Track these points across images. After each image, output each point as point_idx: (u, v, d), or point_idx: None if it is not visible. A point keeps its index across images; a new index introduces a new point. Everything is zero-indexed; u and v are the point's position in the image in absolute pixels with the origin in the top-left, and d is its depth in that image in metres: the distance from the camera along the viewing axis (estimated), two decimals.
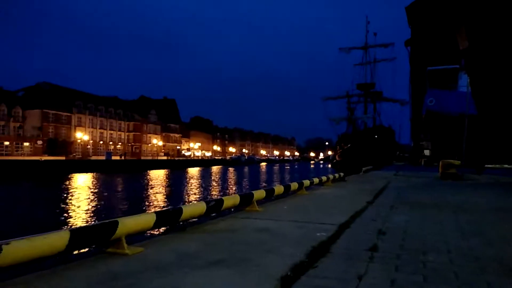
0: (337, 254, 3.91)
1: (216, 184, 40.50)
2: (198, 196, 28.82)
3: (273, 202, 8.39)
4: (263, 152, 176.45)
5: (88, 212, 19.86)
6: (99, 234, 3.72)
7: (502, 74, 12.14)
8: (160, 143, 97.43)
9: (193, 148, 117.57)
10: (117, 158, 73.65)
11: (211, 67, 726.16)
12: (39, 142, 65.11)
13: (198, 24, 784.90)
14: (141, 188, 33.77)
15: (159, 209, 5.49)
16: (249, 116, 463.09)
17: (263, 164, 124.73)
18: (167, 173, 59.87)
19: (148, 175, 53.17)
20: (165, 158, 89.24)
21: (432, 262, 3.62)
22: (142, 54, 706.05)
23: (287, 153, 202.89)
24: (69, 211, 20.14)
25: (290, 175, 63.14)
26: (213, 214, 6.29)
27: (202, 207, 5.53)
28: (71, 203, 23.27)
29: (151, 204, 23.80)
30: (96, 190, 31.44)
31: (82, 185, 35.61)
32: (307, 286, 2.95)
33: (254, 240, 4.58)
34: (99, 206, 22.06)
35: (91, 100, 78.74)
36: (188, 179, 46.91)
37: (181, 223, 5.25)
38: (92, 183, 38.36)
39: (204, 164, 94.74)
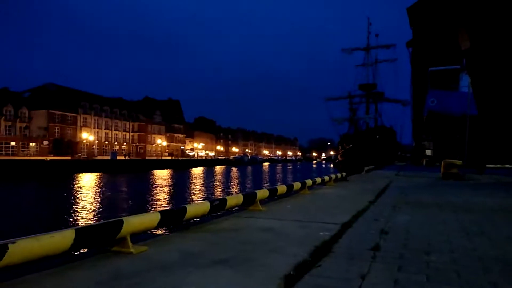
0: (340, 253, 3.93)
1: (219, 184, 40.55)
2: (201, 195, 28.88)
3: (276, 201, 8.42)
4: (265, 152, 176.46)
5: (93, 211, 19.96)
6: (104, 233, 3.76)
7: (503, 74, 12.11)
8: (165, 143, 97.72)
9: (197, 148, 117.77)
10: (122, 158, 73.90)
11: (214, 67, 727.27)
12: (45, 142, 65.42)
13: (200, 25, 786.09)
14: (145, 188, 33.87)
15: (163, 209, 5.53)
16: (252, 117, 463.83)
17: (266, 164, 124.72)
18: (171, 173, 59.99)
19: (153, 175, 53.32)
20: (169, 158, 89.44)
21: (435, 262, 3.63)
22: (145, 55, 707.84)
23: (289, 153, 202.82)
24: (74, 210, 20.25)
25: (292, 175, 63.12)
26: (217, 214, 6.32)
27: (205, 206, 5.57)
28: (76, 202, 23.38)
29: (155, 203, 23.87)
30: (101, 190, 31.57)
31: (87, 185, 35.76)
32: (310, 286, 2.97)
33: (258, 239, 4.60)
34: (104, 206, 22.16)
35: (97, 101, 79.12)
36: (191, 179, 47.00)
37: (184, 222, 5.29)
38: (97, 183, 38.51)
39: (208, 164, 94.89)
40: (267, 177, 57.13)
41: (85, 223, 16.29)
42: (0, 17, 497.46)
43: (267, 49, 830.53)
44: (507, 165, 26.04)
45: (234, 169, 78.12)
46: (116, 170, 58.26)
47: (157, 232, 8.29)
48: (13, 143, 61.23)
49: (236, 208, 6.89)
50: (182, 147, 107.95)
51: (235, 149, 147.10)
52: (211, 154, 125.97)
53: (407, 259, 3.73)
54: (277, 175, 61.20)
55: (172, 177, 50.76)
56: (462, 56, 18.69)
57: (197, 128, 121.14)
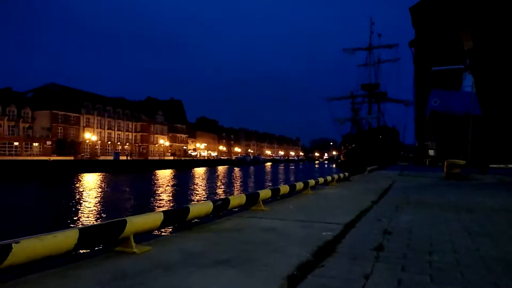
0: (343, 253, 3.92)
1: (222, 184, 40.59)
2: (204, 195, 28.91)
3: (278, 201, 8.42)
4: (268, 152, 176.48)
5: (96, 211, 20.02)
6: (107, 233, 3.77)
7: (507, 74, 12.07)
8: (167, 143, 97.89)
9: (199, 148, 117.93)
10: (124, 158, 74.10)
11: (216, 67, 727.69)
12: (48, 142, 65.66)
13: (201, 25, 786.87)
14: (148, 188, 33.94)
15: (166, 209, 5.53)
16: (254, 117, 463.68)
17: (268, 164, 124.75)
18: (174, 173, 60.08)
19: (155, 175, 53.41)
20: (171, 158, 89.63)
21: (438, 262, 3.62)
22: (147, 55, 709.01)
23: (292, 153, 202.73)
24: (77, 210, 20.31)
25: (295, 175, 63.10)
26: (220, 214, 6.33)
27: (208, 206, 5.57)
28: (79, 202, 23.46)
29: (158, 203, 23.92)
30: (103, 190, 31.66)
31: (90, 185, 35.86)
32: (313, 286, 2.97)
33: (260, 239, 4.60)
34: (106, 206, 22.22)
35: (99, 101, 79.35)
36: (194, 179, 47.05)
37: (187, 222, 5.30)
38: (100, 183, 38.61)
39: (210, 164, 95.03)
40: (269, 177, 57.12)
41: (88, 223, 16.33)
42: (2, 18, 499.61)
43: (268, 49, 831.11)
44: (510, 165, 25.93)
45: (236, 169, 78.16)
46: (118, 170, 58.42)
47: (160, 232, 8.31)
48: (16, 143, 61.46)
49: (239, 208, 6.89)
50: (184, 147, 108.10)
51: (237, 149, 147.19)
52: (214, 154, 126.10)
53: (410, 259, 3.73)
54: (280, 175, 61.19)
55: (175, 177, 50.83)
56: (465, 56, 18.64)
57: (199, 128, 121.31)
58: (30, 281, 3.03)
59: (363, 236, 4.77)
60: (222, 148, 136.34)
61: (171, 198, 27.34)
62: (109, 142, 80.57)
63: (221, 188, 35.58)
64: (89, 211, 20.10)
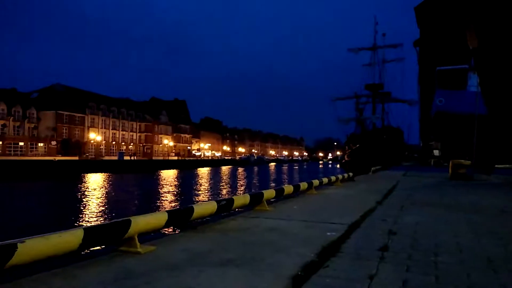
0: (347, 254, 3.90)
1: (226, 184, 40.62)
2: (208, 195, 28.94)
3: (282, 201, 8.40)
4: (272, 152, 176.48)
5: (101, 211, 20.10)
6: (112, 233, 3.77)
7: None
8: (171, 143, 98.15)
9: (203, 148, 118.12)
10: (128, 158, 74.40)
11: (220, 67, 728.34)
12: (53, 142, 66.08)
13: (206, 25, 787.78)
14: (152, 188, 34.03)
15: (170, 208, 5.54)
16: (258, 117, 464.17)
17: (272, 164, 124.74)
18: (178, 173, 60.21)
19: (159, 175, 53.55)
20: (175, 158, 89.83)
21: (443, 263, 3.59)
22: (151, 55, 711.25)
23: (295, 153, 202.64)
24: (82, 210, 20.40)
25: (299, 175, 63.04)
26: (224, 214, 6.33)
27: (213, 206, 5.57)
28: (84, 202, 23.56)
29: (162, 203, 23.97)
30: (108, 190, 31.78)
31: (94, 185, 36.01)
32: (318, 286, 2.96)
33: (265, 239, 4.60)
34: (111, 205, 22.30)
35: (104, 102, 79.74)
36: (198, 179, 47.13)
37: (191, 222, 5.30)
38: (104, 183, 38.76)
39: (214, 164, 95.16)
40: (273, 177, 57.11)
41: (93, 223, 16.39)
42: (8, 19, 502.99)
43: (273, 49, 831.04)
44: None
45: (240, 169, 78.23)
46: (123, 170, 58.64)
47: (164, 232, 8.32)
48: (21, 143, 61.90)
49: (243, 208, 6.89)
50: (188, 147, 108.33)
51: (241, 149, 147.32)
52: (218, 154, 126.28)
53: (415, 259, 3.70)
54: (284, 176, 61.16)
55: (179, 177, 50.94)
56: (470, 55, 18.53)
57: (203, 128, 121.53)
58: (35, 281, 3.04)
59: (367, 237, 4.75)
60: (226, 148, 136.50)
61: (175, 198, 27.39)
62: (114, 142, 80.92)
63: (225, 188, 35.61)
64: (94, 210, 20.18)
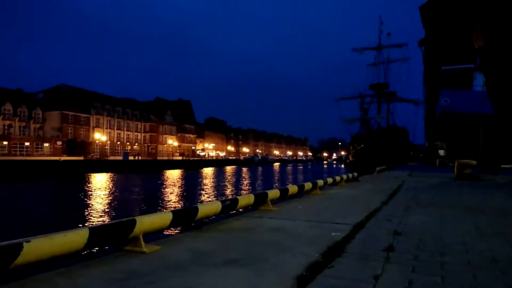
0: (352, 254, 3.89)
1: (230, 184, 40.66)
2: (212, 195, 28.98)
3: (287, 201, 8.39)
4: (276, 152, 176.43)
5: (106, 210, 20.18)
6: (117, 232, 3.78)
7: None
8: (176, 143, 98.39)
9: (208, 148, 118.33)
10: (132, 158, 74.70)
11: (225, 68, 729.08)
12: (59, 142, 66.49)
13: (210, 25, 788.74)
14: (157, 188, 34.13)
15: (175, 208, 5.55)
16: (263, 117, 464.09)
17: (277, 164, 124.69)
18: (182, 173, 60.36)
19: (164, 175, 53.70)
20: (180, 158, 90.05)
21: (449, 263, 3.57)
22: (156, 55, 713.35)
23: (300, 153, 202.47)
24: (87, 209, 20.50)
25: (303, 175, 62.96)
26: (228, 213, 6.33)
27: (217, 206, 5.58)
28: (88, 201, 23.68)
29: (167, 203, 24.03)
30: (113, 190, 31.91)
31: (99, 185, 36.18)
32: (323, 286, 2.95)
33: (269, 239, 4.59)
34: (116, 205, 22.39)
35: (109, 102, 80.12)
36: (202, 179, 47.21)
37: (196, 222, 5.30)
38: (109, 183, 38.93)
39: (218, 164, 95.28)
40: (277, 177, 57.09)
41: (98, 222, 16.47)
42: (13, 20, 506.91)
43: (277, 49, 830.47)
44: None
45: (244, 169, 78.28)
46: (128, 170, 58.88)
47: (169, 232, 8.33)
48: (27, 143, 62.33)
49: (248, 208, 6.89)
50: (193, 147, 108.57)
51: (245, 150, 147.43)
52: (222, 154, 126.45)
53: (421, 260, 3.68)
54: (288, 176, 61.12)
55: (183, 177, 51.06)
56: (475, 55, 18.40)
57: (208, 129, 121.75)
58: (40, 280, 3.05)
59: (372, 237, 4.73)
60: (230, 148, 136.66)
61: (179, 198, 27.45)
62: (119, 142, 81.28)
63: (229, 188, 35.64)
64: (99, 210, 20.27)
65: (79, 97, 72.31)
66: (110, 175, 49.95)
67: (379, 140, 44.77)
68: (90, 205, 22.38)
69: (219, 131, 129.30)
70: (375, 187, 12.52)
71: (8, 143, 59.43)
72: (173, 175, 54.49)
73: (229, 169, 78.90)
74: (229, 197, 6.38)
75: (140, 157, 78.41)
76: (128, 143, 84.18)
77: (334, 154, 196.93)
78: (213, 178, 49.51)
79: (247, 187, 38.19)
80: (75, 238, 3.32)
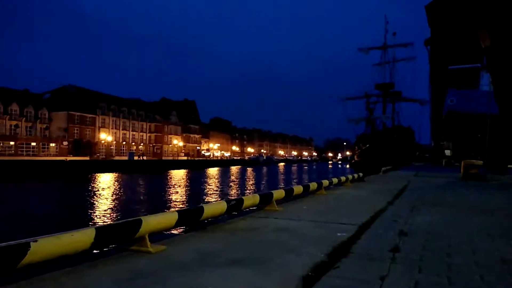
0: (358, 254, 3.87)
1: (235, 184, 40.68)
2: (217, 195, 29.01)
3: (292, 202, 8.38)
4: (281, 152, 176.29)
5: (111, 210, 20.28)
6: (123, 232, 3.80)
7: None
8: (181, 143, 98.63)
9: (213, 148, 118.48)
10: (136, 158, 74.96)
11: (230, 68, 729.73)
12: (65, 143, 66.92)
13: (215, 25, 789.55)
14: (162, 188, 34.22)
15: (180, 208, 5.57)
16: (267, 117, 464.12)
17: (281, 164, 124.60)
18: (187, 173, 60.47)
19: (169, 175, 53.84)
20: (185, 158, 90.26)
21: (456, 264, 3.54)
22: (162, 56, 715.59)
23: (305, 153, 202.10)
24: (93, 209, 20.61)
25: (308, 175, 62.85)
26: (233, 213, 6.33)
27: (222, 206, 5.58)
28: (94, 201, 23.80)
29: (172, 203, 24.10)
30: (118, 190, 32.05)
31: (105, 184, 36.35)
32: (328, 286, 2.93)
33: (274, 239, 4.59)
34: (121, 205, 22.49)
35: (115, 102, 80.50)
36: (207, 179, 47.27)
37: (201, 222, 5.31)
38: (115, 183, 39.10)
39: (223, 164, 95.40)
40: (282, 177, 57.03)
41: (103, 222, 16.54)
42: (20, 21, 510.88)
43: (282, 49, 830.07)
44: None
45: (249, 169, 78.29)
46: (133, 170, 59.11)
47: (174, 232, 8.36)
48: (33, 143, 62.77)
49: (253, 208, 6.89)
50: (198, 148, 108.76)
51: (250, 150, 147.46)
52: (227, 154, 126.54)
53: (427, 260, 3.66)
54: (293, 176, 61.03)
55: (188, 177, 51.16)
56: (482, 54, 18.29)
57: (212, 129, 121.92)
58: (47, 280, 3.07)
59: (378, 237, 4.71)
60: (235, 148, 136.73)
61: (185, 198, 27.51)
62: (124, 143, 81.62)
63: (235, 188, 35.66)
64: (104, 210, 20.36)
65: (85, 97, 72.73)
66: (116, 175, 50.16)
67: (384, 140, 44.55)
68: (96, 205, 22.49)
69: (224, 131, 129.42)
70: (380, 187, 12.46)
71: (15, 143, 59.88)
72: (178, 175, 54.61)
73: (234, 169, 78.95)
74: (234, 197, 6.39)
75: (145, 157, 78.66)
76: (133, 143, 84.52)
77: (339, 154, 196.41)
78: (218, 178, 49.56)
79: (252, 187, 38.19)
80: (82, 238, 3.34)
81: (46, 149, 64.24)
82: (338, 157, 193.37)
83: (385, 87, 54.23)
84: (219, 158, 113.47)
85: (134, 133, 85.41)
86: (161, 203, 23.66)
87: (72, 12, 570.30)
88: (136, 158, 74.22)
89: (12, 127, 61.23)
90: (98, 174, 50.83)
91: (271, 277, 3.14)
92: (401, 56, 56.43)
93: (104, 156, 72.21)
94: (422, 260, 3.66)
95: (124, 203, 23.75)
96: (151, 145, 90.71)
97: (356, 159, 48.70)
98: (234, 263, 3.55)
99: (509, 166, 21.93)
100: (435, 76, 41.52)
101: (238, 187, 37.42)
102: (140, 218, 3.99)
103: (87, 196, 26.40)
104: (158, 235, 4.76)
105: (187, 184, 40.18)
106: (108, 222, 15.36)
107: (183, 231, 8.55)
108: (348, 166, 77.23)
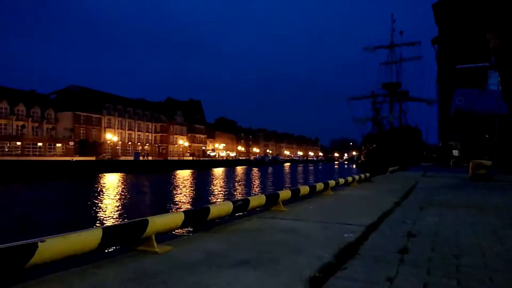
0: (365, 256, 3.84)
1: (241, 184, 40.68)
2: (223, 196, 29.03)
3: (298, 202, 8.35)
4: (286, 152, 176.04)
5: (117, 210, 20.36)
6: (130, 232, 3.80)
7: None
8: (186, 143, 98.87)
9: (218, 148, 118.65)
10: (142, 158, 75.24)
11: (235, 67, 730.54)
12: (71, 143, 67.36)
13: (219, 25, 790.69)
14: (168, 188, 34.32)
15: (186, 209, 5.56)
16: (273, 117, 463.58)
17: (287, 164, 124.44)
18: (193, 173, 60.60)
19: (175, 175, 53.99)
20: (190, 158, 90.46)
21: (465, 266, 3.51)
22: (167, 56, 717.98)
23: (311, 153, 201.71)
24: (99, 209, 20.71)
25: (314, 175, 62.71)
26: (239, 214, 6.32)
27: (228, 206, 5.57)
28: (100, 201, 23.91)
29: (178, 203, 24.15)
30: (124, 190, 32.19)
31: (111, 185, 36.53)
32: None
33: (281, 240, 4.57)
34: (127, 205, 22.58)
35: (120, 102, 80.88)
36: (213, 179, 47.34)
37: (207, 222, 5.30)
38: (121, 183, 39.29)
39: (229, 164, 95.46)
40: (288, 177, 56.96)
41: (110, 222, 16.61)
42: (26, 23, 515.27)
43: (288, 49, 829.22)
44: None
45: (255, 169, 78.28)
46: (139, 170, 59.36)
47: (180, 232, 8.36)
48: (40, 144, 63.24)
49: (259, 208, 6.87)
50: (203, 148, 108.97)
51: (256, 150, 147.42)
52: (232, 154, 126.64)
53: (436, 262, 3.62)
54: (299, 176, 60.94)
55: (194, 177, 51.26)
56: (490, 53, 18.12)
57: (218, 129, 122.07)
58: (54, 280, 3.08)
59: (386, 238, 4.67)
60: (240, 148, 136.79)
61: (190, 198, 27.56)
62: (130, 143, 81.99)
63: (240, 189, 35.67)
64: (110, 210, 20.46)
65: (91, 97, 73.14)
66: (122, 175, 50.39)
67: (391, 140, 44.29)
68: (102, 205, 22.60)
69: (229, 131, 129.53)
70: (388, 187, 12.38)
71: (21, 143, 60.37)
72: (184, 175, 54.75)
73: (239, 169, 79.01)
74: (240, 198, 6.37)
75: (150, 157, 78.94)
76: (139, 144, 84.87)
77: (346, 155, 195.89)
78: (223, 179, 49.61)
79: (257, 187, 38.18)
80: (89, 238, 3.34)
81: (52, 149, 64.68)
82: (344, 158, 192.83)
83: (392, 86, 53.88)
84: (224, 158, 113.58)
85: (140, 133, 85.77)
86: (167, 204, 23.72)
87: (77, 13, 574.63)
88: (141, 158, 74.51)
89: (19, 128, 61.74)
90: (104, 174, 51.10)
91: (278, 278, 3.13)
92: (408, 55, 55.94)
93: (110, 156, 72.53)
94: (430, 262, 3.63)
95: (130, 203, 23.85)
96: (156, 145, 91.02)
97: (362, 159, 48.49)
98: (240, 264, 3.53)
99: None
100: (442, 75, 41.22)
101: (244, 187, 37.42)
102: (146, 218, 3.99)
103: (93, 196, 26.54)
104: (164, 236, 4.76)
105: (192, 184, 40.26)
106: (115, 223, 15.42)
107: (189, 232, 8.56)
108: (354, 166, 76.93)
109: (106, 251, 4.75)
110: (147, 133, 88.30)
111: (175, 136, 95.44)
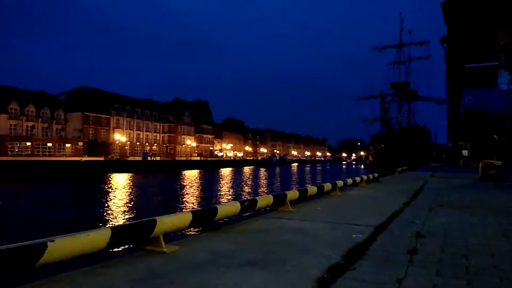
0: (374, 256, 3.82)
1: (248, 184, 40.70)
2: (231, 196, 29.07)
3: (306, 202, 8.33)
4: (294, 152, 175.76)
5: (125, 210, 20.49)
6: (138, 232, 3.82)
7: None
8: (194, 144, 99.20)
9: (225, 148, 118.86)
10: (149, 159, 75.60)
11: (242, 68, 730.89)
12: (80, 143, 67.98)
13: (227, 25, 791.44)
14: (176, 188, 34.46)
15: (194, 209, 5.58)
16: (281, 117, 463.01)
17: (295, 164, 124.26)
18: (201, 173, 60.79)
19: (182, 175, 54.20)
20: (198, 158, 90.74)
21: (475, 267, 3.47)
22: (174, 56, 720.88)
23: (318, 153, 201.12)
24: (108, 209, 20.86)
25: (322, 176, 62.53)
26: (247, 214, 6.32)
27: (236, 207, 5.57)
28: (109, 201, 24.09)
29: (186, 203, 24.24)
30: (132, 190, 32.40)
31: (119, 184, 36.79)
32: None
33: (289, 240, 4.56)
34: (135, 205, 22.71)
35: (128, 103, 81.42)
36: (220, 179, 47.43)
37: (215, 223, 5.31)
38: (129, 183, 39.55)
39: (236, 164, 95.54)
40: (296, 178, 56.86)
41: (118, 222, 16.72)
42: (35, 24, 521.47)
43: (296, 49, 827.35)
44: None
45: (262, 169, 78.27)
46: (147, 171, 59.68)
47: (188, 232, 8.39)
48: (49, 144, 63.88)
49: (266, 208, 6.87)
50: (211, 148, 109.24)
51: (263, 150, 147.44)
52: (240, 154, 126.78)
53: (445, 263, 3.59)
54: (306, 176, 60.81)
55: (202, 177, 51.41)
56: (500, 52, 17.90)
57: (225, 129, 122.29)
58: (62, 280, 3.10)
59: (395, 239, 4.64)
60: (248, 148, 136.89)
61: (198, 198, 27.64)
62: (138, 143, 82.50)
63: (248, 189, 35.68)
64: (119, 210, 20.59)
65: (99, 98, 73.73)
66: (130, 175, 50.72)
67: (400, 140, 44.00)
68: (111, 205, 22.76)
69: (236, 132, 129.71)
70: (396, 188, 12.30)
71: (31, 143, 61.02)
72: (192, 175, 54.93)
73: (247, 169, 79.06)
74: (248, 198, 6.37)
75: (158, 158, 79.28)
76: (147, 144, 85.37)
77: (353, 155, 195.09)
78: (231, 179, 49.68)
79: (265, 187, 38.17)
80: (98, 238, 3.37)
81: (61, 150, 65.30)
82: (352, 158, 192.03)
83: (400, 86, 53.53)
84: (232, 158, 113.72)
85: (148, 133, 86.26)
86: (175, 203, 23.81)
87: (85, 14, 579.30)
88: (149, 158, 74.89)
89: (29, 128, 62.42)
90: (113, 174, 51.47)
91: (286, 279, 3.12)
92: (416, 54, 55.59)
93: (118, 157, 73.01)
94: (440, 263, 3.59)
95: (138, 203, 23.98)
96: (164, 145, 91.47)
97: (370, 159, 48.26)
98: (248, 264, 3.53)
99: None
100: (451, 74, 40.84)
101: (251, 187, 37.43)
102: (154, 218, 4.01)
103: (102, 196, 26.75)
104: (172, 235, 4.78)
105: (200, 184, 40.38)
106: (123, 222, 15.51)
107: (197, 232, 8.58)
108: (362, 166, 76.68)
109: (115, 250, 4.78)
110: (155, 134, 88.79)
111: (182, 136, 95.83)
